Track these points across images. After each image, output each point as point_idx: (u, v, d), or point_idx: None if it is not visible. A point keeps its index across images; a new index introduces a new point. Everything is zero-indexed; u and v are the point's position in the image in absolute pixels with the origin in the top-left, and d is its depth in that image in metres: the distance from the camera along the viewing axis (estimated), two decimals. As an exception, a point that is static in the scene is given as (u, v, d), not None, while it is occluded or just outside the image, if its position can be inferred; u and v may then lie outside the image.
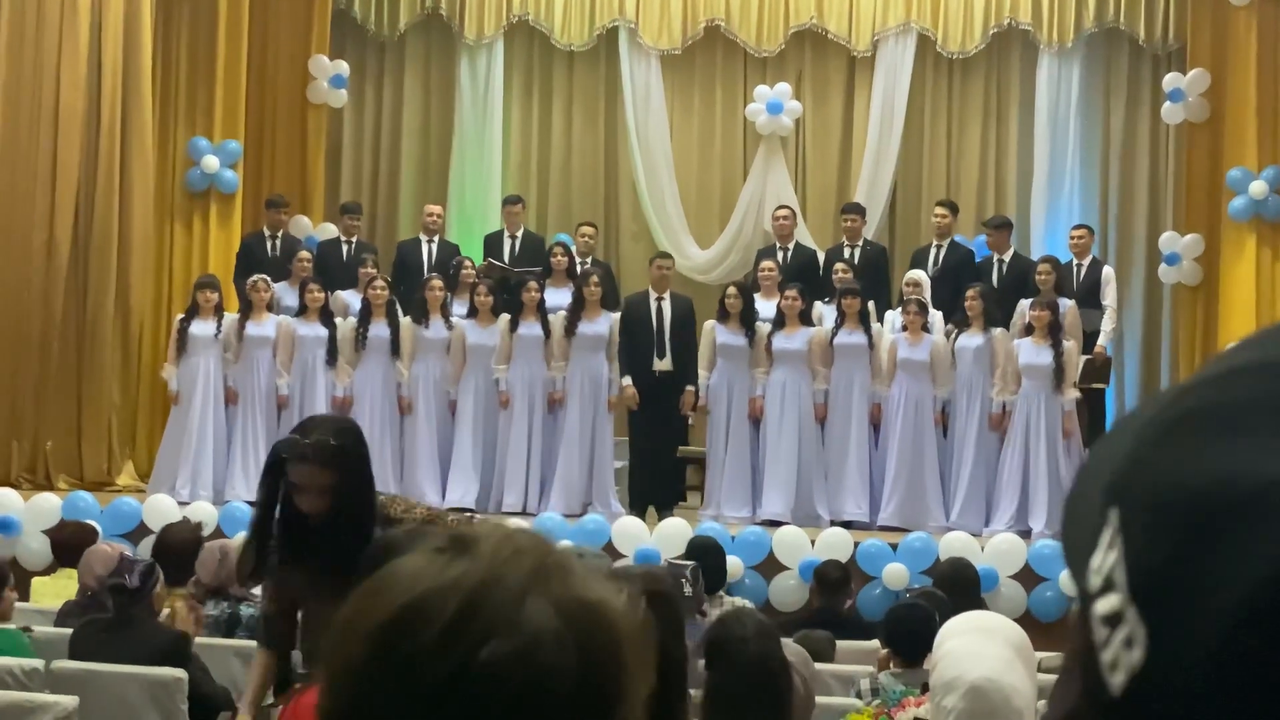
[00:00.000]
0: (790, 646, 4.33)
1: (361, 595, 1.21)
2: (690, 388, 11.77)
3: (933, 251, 13.14)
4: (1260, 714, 0.62)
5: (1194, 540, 0.64)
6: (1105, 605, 0.68)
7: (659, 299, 12.07)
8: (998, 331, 11.63)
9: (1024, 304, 12.12)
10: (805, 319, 11.86)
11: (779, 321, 11.76)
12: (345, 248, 13.57)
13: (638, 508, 11.79)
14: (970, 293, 11.67)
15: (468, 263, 12.89)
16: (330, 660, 1.21)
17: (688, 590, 6.43)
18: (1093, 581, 0.69)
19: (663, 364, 11.89)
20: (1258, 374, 0.66)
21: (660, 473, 11.93)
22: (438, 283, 12.11)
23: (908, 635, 5.87)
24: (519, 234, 13.68)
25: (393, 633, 1.16)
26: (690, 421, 12.09)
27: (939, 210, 13.37)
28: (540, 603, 1.17)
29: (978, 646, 3.03)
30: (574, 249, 13.32)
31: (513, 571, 1.18)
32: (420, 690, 1.14)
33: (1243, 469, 0.63)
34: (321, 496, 4.36)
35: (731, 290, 11.88)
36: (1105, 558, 0.69)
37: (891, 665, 5.99)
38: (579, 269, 12.78)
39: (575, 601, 1.19)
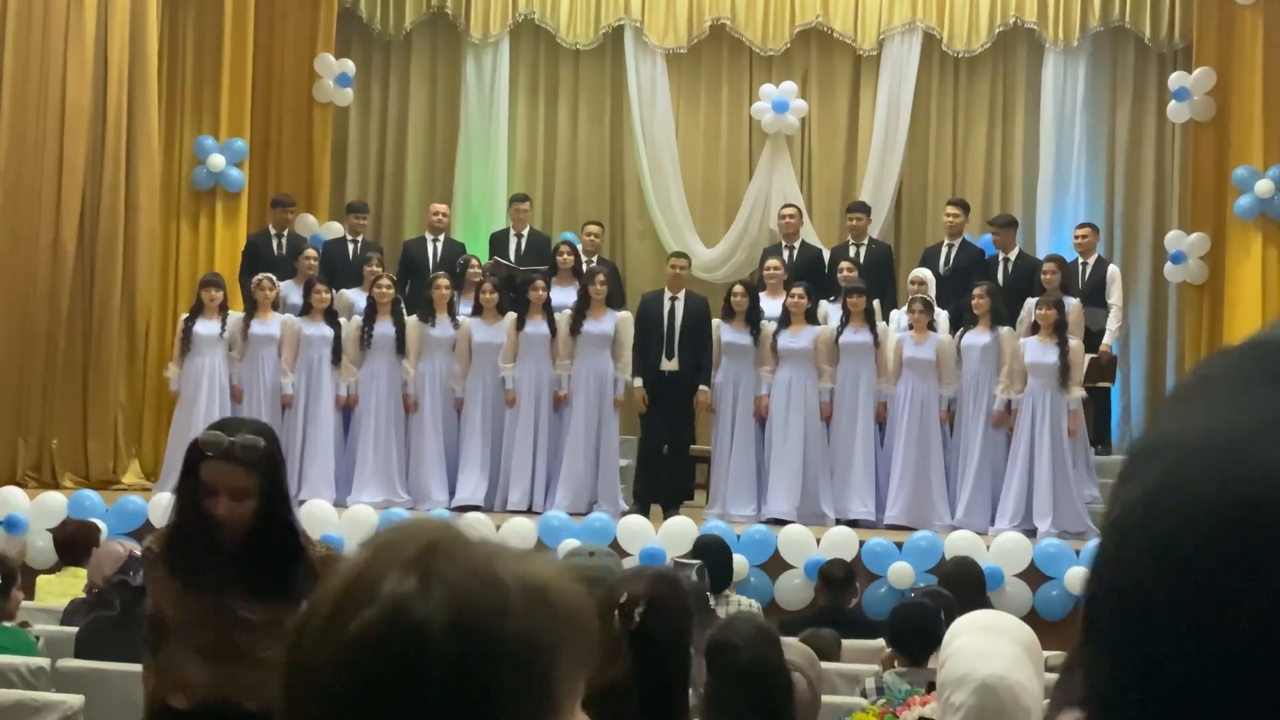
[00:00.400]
0: (796, 646, 4.31)
1: (308, 612, 1.28)
2: (704, 388, 11.75)
3: (944, 250, 13.13)
4: (1177, 634, 0.70)
5: (1121, 484, 0.75)
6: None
7: (673, 298, 12.06)
8: (1004, 330, 11.62)
9: (1030, 303, 12.10)
10: (811, 318, 11.84)
11: (784, 320, 11.75)
12: (351, 247, 13.57)
13: (643, 506, 11.78)
14: (977, 291, 11.66)
15: (474, 261, 12.88)
16: (294, 666, 1.26)
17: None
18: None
19: (670, 364, 11.88)
20: (1236, 351, 0.75)
21: (667, 471, 11.92)
22: (444, 281, 12.10)
23: (913, 634, 5.85)
24: (525, 232, 13.67)
25: (301, 629, 1.24)
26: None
27: (951, 209, 13.36)
28: (412, 576, 1.21)
29: (987, 644, 3.03)
30: (580, 247, 13.32)
31: (396, 552, 1.23)
32: (314, 676, 1.21)
33: (1172, 425, 0.74)
34: (241, 503, 3.89)
35: (738, 289, 11.87)
36: None
37: (896, 664, 5.98)
38: (585, 267, 12.76)
39: (463, 570, 1.22)
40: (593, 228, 13.71)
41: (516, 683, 1.20)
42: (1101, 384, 12.57)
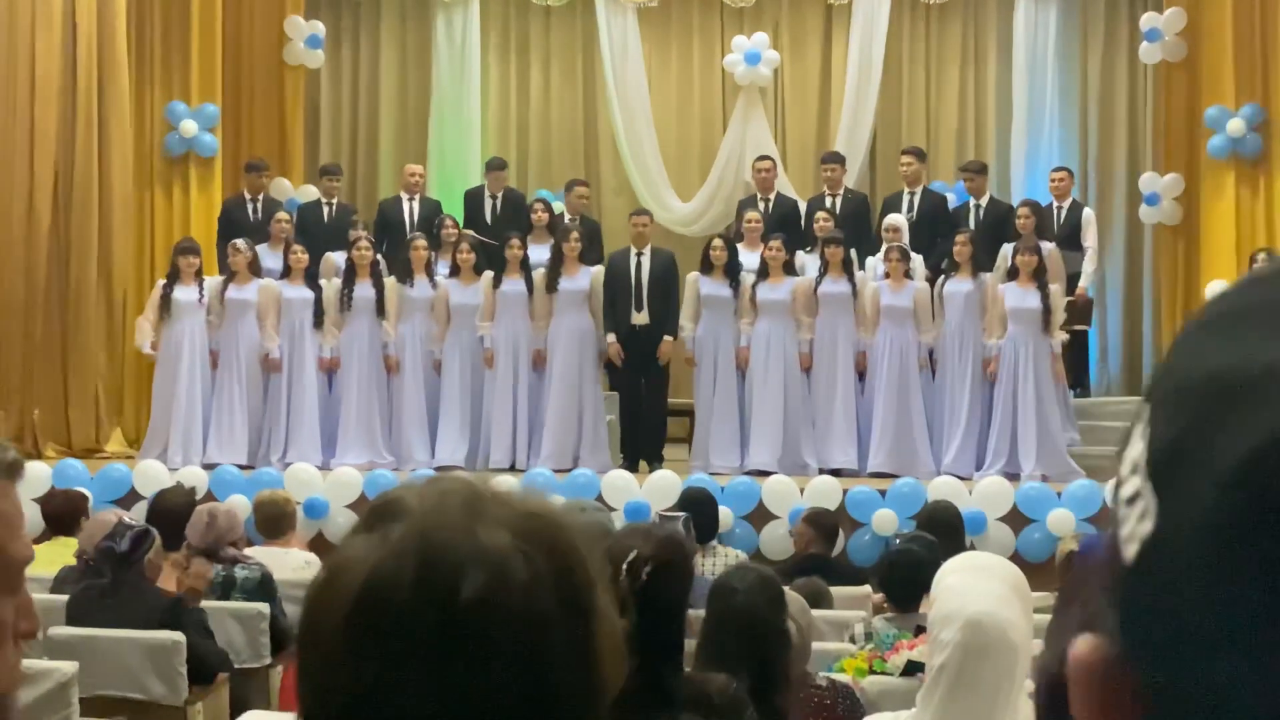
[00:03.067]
0: (787, 594, 4.36)
1: (316, 592, 1.23)
2: (668, 337, 11.78)
3: (905, 198, 13.15)
4: (1247, 570, 0.66)
5: (1202, 416, 0.69)
6: (1127, 489, 0.73)
7: (639, 254, 12.08)
8: (987, 276, 11.65)
9: (1006, 248, 12.14)
10: (789, 269, 11.87)
11: (763, 272, 11.77)
12: (326, 209, 13.53)
13: (629, 461, 11.82)
14: (960, 238, 11.68)
15: (449, 221, 12.86)
16: (304, 659, 1.22)
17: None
18: (1123, 472, 0.75)
19: (640, 317, 11.92)
20: (1273, 279, 0.72)
21: (644, 425, 11.97)
22: (421, 242, 12.10)
23: (902, 581, 5.90)
24: (500, 194, 13.65)
25: (364, 612, 1.17)
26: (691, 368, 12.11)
27: (905, 158, 13.35)
28: (489, 528, 1.20)
29: (975, 583, 3.07)
30: (559, 204, 13.33)
31: (448, 511, 1.21)
32: (414, 650, 1.16)
33: (1249, 354, 0.69)
34: None
35: (717, 242, 11.89)
36: (1132, 449, 0.74)
37: (885, 610, 6.03)
38: (565, 225, 12.75)
39: (522, 517, 1.22)
40: (580, 189, 13.66)
41: (600, 616, 1.21)
42: (1078, 327, 12.62)
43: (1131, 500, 0.73)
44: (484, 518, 1.20)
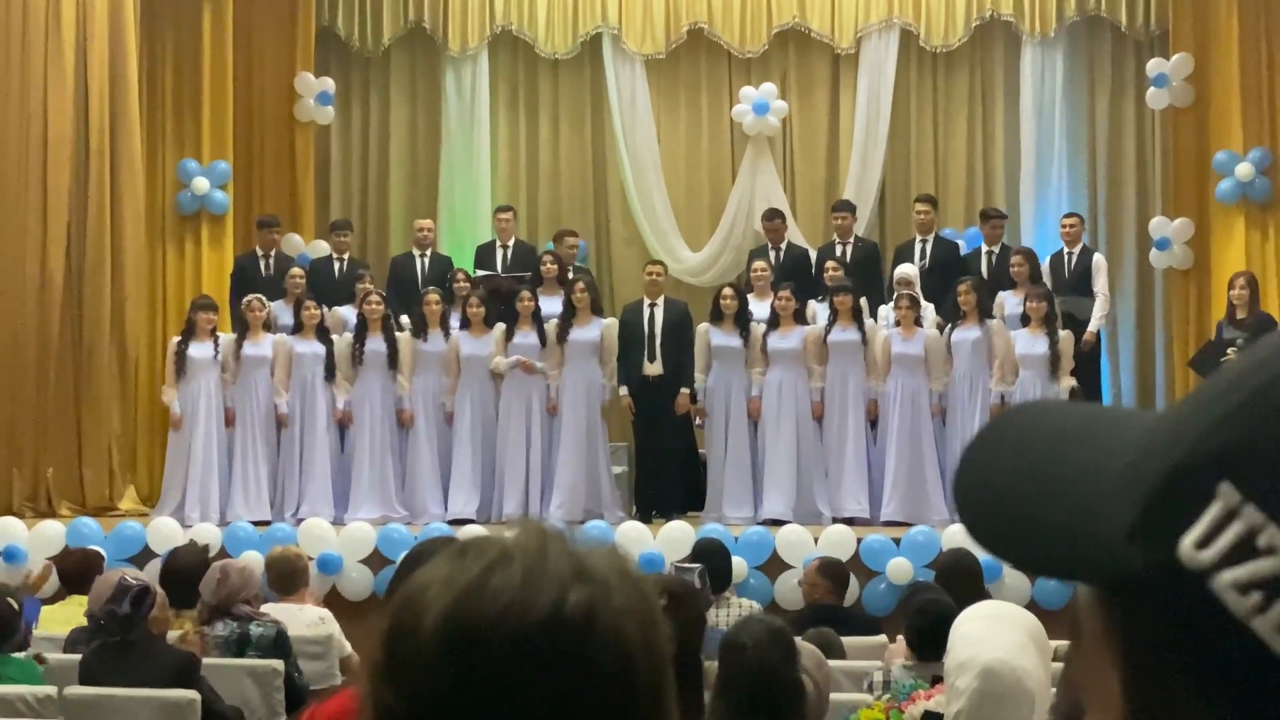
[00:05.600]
0: (804, 648, 4.34)
1: (402, 606, 1.22)
2: (684, 390, 11.79)
3: (918, 247, 13.19)
4: None
5: None
6: (1253, 571, 0.71)
7: (651, 305, 12.11)
8: (993, 323, 11.67)
9: (1003, 295, 12.21)
10: (800, 318, 11.89)
11: (773, 321, 11.79)
12: (337, 265, 13.58)
13: (644, 513, 11.81)
14: (962, 286, 11.72)
15: (460, 275, 12.90)
16: (388, 676, 1.21)
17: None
18: (1202, 555, 0.72)
19: (653, 368, 11.92)
20: None
21: (662, 476, 11.94)
22: (434, 296, 12.14)
23: (928, 629, 5.86)
24: (510, 244, 13.69)
25: (466, 618, 1.17)
26: (699, 423, 12.09)
27: (920, 207, 13.42)
28: (593, 556, 1.22)
29: (992, 630, 3.06)
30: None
31: (544, 540, 1.23)
32: (515, 656, 1.16)
33: None
34: None
35: (728, 291, 11.91)
36: (1227, 528, 0.72)
37: (905, 658, 6.00)
38: (571, 276, 12.78)
39: (608, 555, 1.24)
40: (570, 239, 13.73)
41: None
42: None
43: (1265, 584, 0.71)
44: (575, 549, 1.22)
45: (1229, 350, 11.32)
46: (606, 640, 1.17)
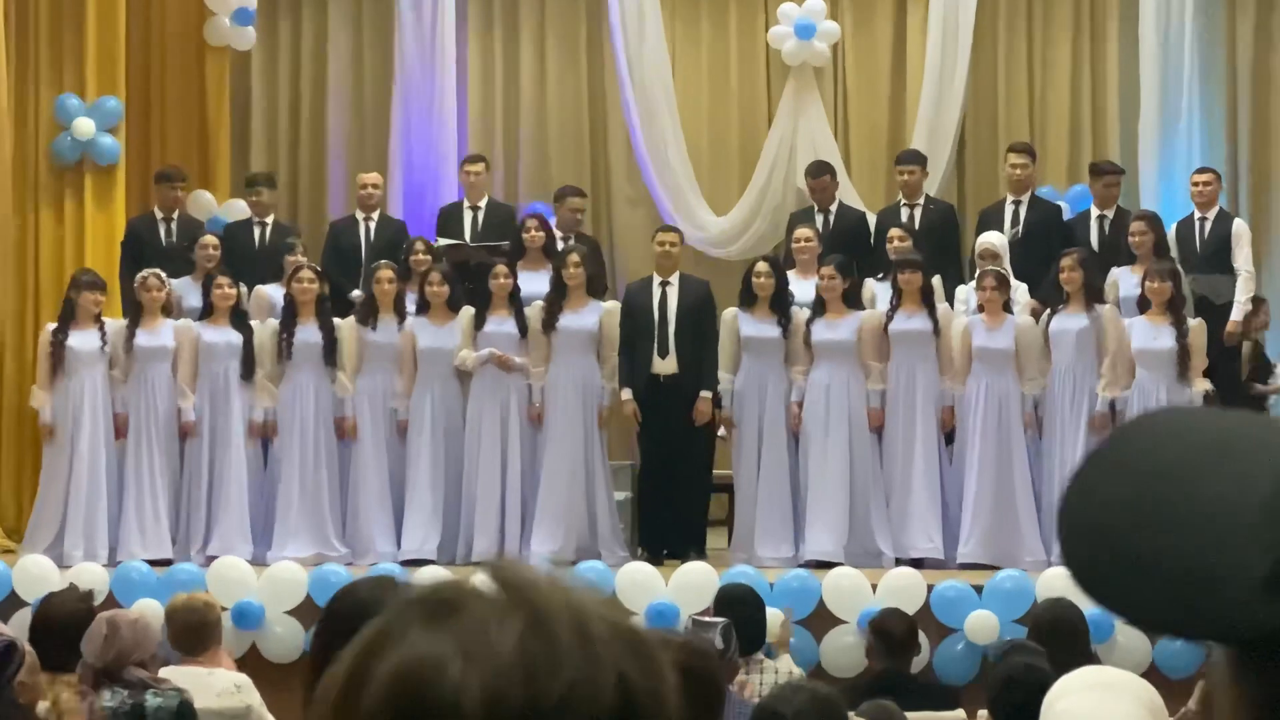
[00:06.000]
0: (854, 720, 4.33)
1: (404, 690, 1.24)
2: (705, 394, 11.77)
3: (1008, 210, 13.19)
4: None
5: None
6: None
7: (663, 284, 12.09)
8: (1104, 309, 11.64)
9: (1115, 272, 12.24)
10: (853, 301, 11.87)
11: (819, 306, 11.77)
12: (257, 231, 13.57)
13: (652, 552, 11.80)
14: (1065, 261, 11.69)
15: (419, 246, 12.87)
16: None
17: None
18: None
19: (665, 365, 11.91)
20: None
21: (676, 505, 11.92)
22: (387, 273, 12.11)
23: (1024, 706, 5.83)
24: (482, 204, 13.68)
25: (511, 694, 1.22)
26: (722, 435, 12.07)
27: (1015, 159, 13.42)
28: (604, 612, 1.28)
29: (1101, 706, 3.04)
30: (553, 223, 13.35)
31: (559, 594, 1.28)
32: None
33: None
34: None
35: (762, 267, 11.89)
36: None
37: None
38: (563, 246, 12.76)
39: (609, 624, 1.29)
40: (574, 200, 13.70)
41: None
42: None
43: None
44: (596, 604, 1.28)
45: None
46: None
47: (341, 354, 11.98)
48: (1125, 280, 12.13)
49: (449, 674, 1.21)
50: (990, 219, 13.26)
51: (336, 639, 2.79)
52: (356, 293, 12.50)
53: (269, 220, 13.67)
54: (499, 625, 1.23)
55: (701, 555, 11.47)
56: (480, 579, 1.29)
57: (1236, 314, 12.66)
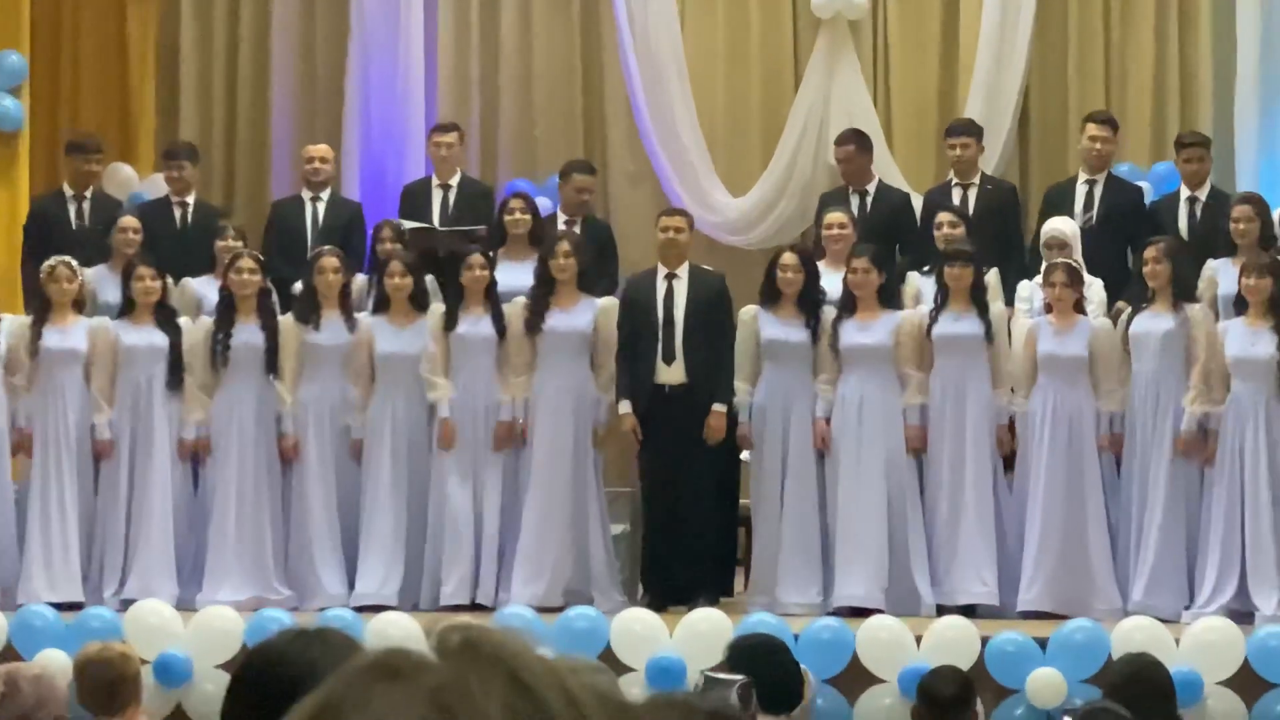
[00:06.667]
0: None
1: None
2: (718, 407, 11.76)
3: (1080, 191, 13.19)
4: None
5: None
6: None
7: (669, 277, 12.09)
8: (1195, 309, 11.63)
9: (1213, 265, 12.24)
10: (889, 299, 11.86)
11: (847, 304, 11.76)
12: (178, 212, 13.57)
13: (655, 595, 11.79)
14: (1150, 252, 11.70)
15: (386, 232, 12.93)
16: None
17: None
18: None
19: (670, 373, 11.92)
20: None
21: (684, 540, 11.90)
22: (332, 261, 12.15)
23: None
24: (454, 181, 13.70)
25: None
26: (744, 457, 12.07)
27: (1094, 129, 13.42)
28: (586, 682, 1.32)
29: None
30: (547, 202, 13.41)
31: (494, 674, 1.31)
32: None
33: None
34: None
35: (789, 259, 11.91)
36: None
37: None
38: (557, 231, 12.76)
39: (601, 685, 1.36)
40: (581, 178, 13.66)
41: None
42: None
43: None
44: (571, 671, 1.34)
45: None
46: None
47: (281, 360, 11.96)
48: (1225, 274, 12.08)
49: None
50: (1059, 201, 13.25)
51: (253, 704, 2.75)
52: (300, 286, 12.46)
53: (190, 200, 13.65)
54: (481, 687, 1.26)
55: (714, 601, 11.44)
56: (423, 644, 1.34)
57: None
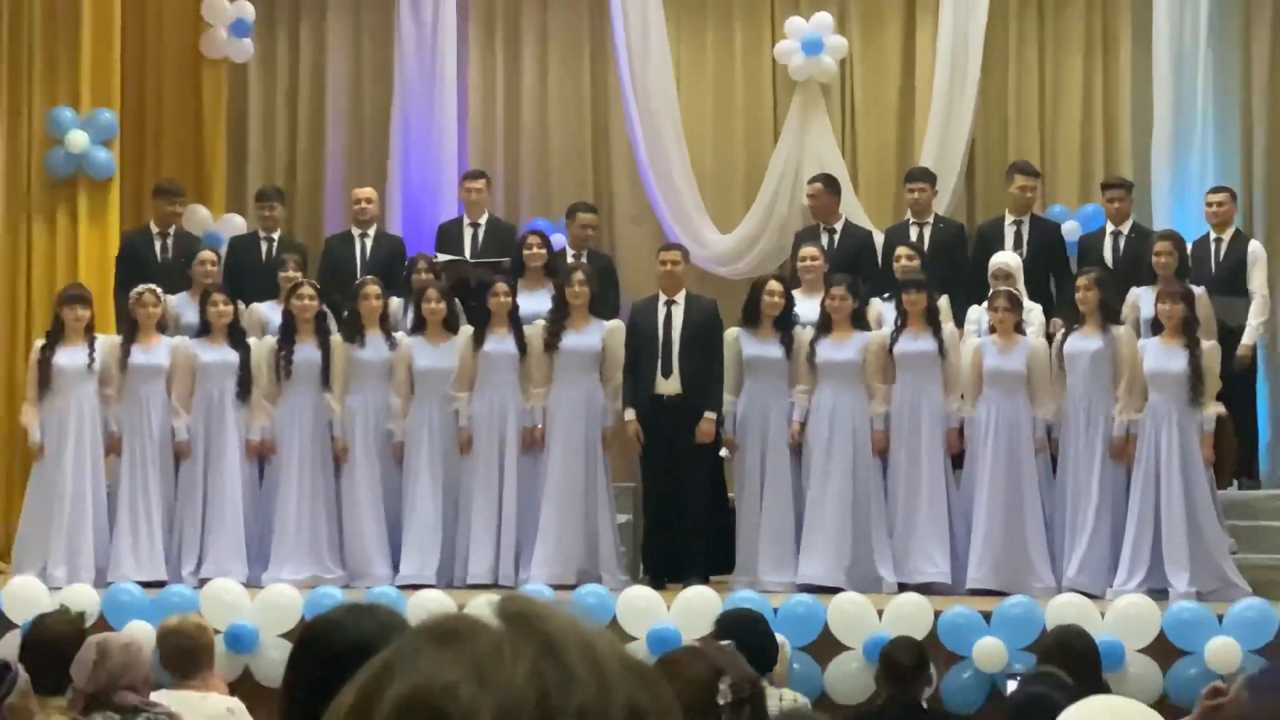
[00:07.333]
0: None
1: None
2: (709, 414, 11.77)
3: (1009, 230, 13.26)
4: None
5: None
6: None
7: (669, 303, 12.09)
8: (1120, 330, 11.64)
9: (1136, 292, 12.21)
10: (858, 320, 11.87)
11: (824, 325, 11.78)
12: (265, 246, 13.60)
13: (655, 576, 11.79)
14: (1082, 281, 11.70)
15: (422, 264, 12.92)
16: None
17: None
18: None
19: (668, 385, 11.91)
20: None
21: (679, 528, 11.90)
22: (374, 289, 12.14)
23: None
24: (482, 220, 13.69)
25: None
26: (723, 454, 12.07)
27: (1022, 179, 13.50)
28: (584, 647, 1.28)
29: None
30: (561, 239, 13.40)
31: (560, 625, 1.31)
32: None
33: None
34: None
35: (774, 286, 11.91)
36: None
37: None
38: (568, 263, 12.77)
39: (608, 643, 1.32)
40: (585, 216, 13.71)
41: None
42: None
43: None
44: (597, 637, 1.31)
45: None
46: None
47: (332, 373, 11.99)
48: (1145, 300, 12.06)
49: (461, 697, 1.22)
50: (990, 238, 13.28)
51: (311, 670, 2.78)
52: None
53: (275, 235, 13.69)
54: (512, 652, 1.25)
55: (704, 579, 11.44)
56: (485, 610, 1.31)
57: (1249, 338, 12.66)
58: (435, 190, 15.14)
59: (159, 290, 12.26)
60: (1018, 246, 13.10)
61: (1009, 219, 13.39)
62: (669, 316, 12.06)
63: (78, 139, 13.64)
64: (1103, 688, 8.03)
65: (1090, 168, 15.01)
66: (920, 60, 15.22)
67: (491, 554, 11.85)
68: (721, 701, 2.75)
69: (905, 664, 8.72)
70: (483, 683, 1.23)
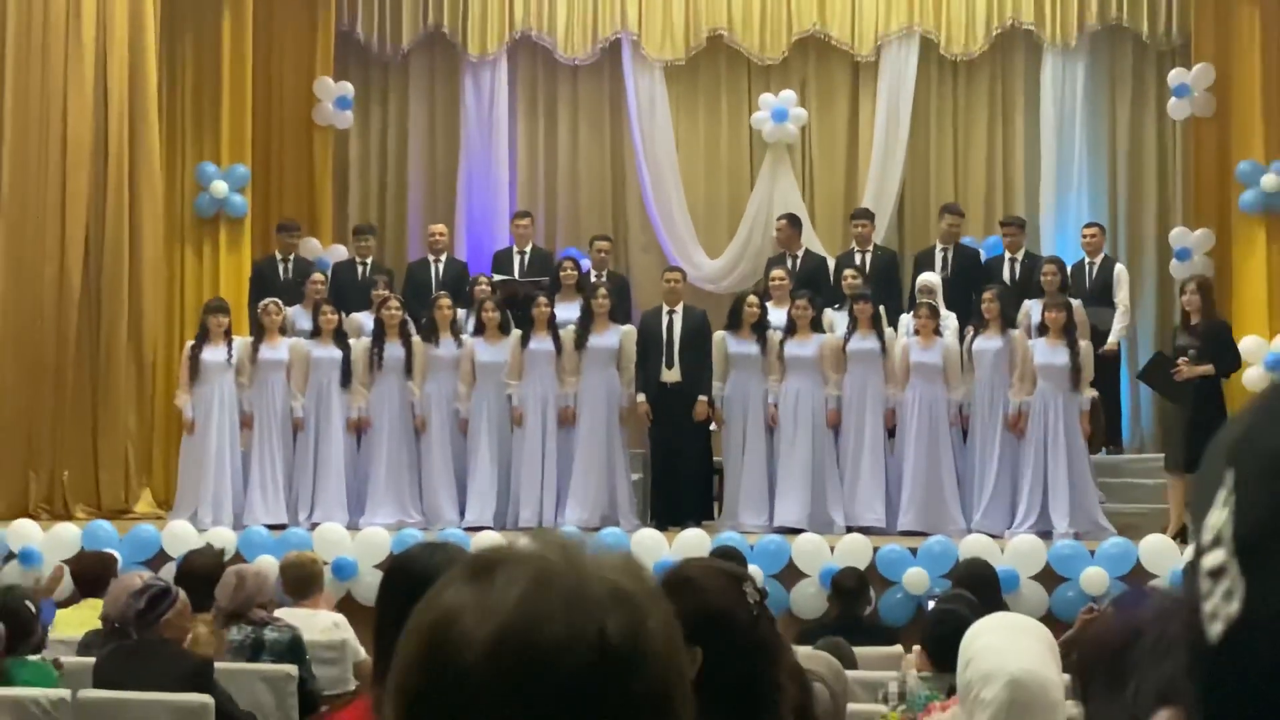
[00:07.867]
0: (819, 656, 4.32)
1: (434, 634, 1.19)
2: (703, 398, 11.78)
3: (938, 256, 13.23)
4: None
5: None
6: (1211, 560, 0.71)
7: (670, 312, 12.11)
8: (1015, 333, 11.64)
9: (1029, 304, 12.18)
10: (817, 326, 11.88)
11: (790, 329, 11.78)
12: (360, 269, 13.63)
13: (659, 520, 11.79)
14: (986, 294, 11.70)
15: (481, 280, 12.94)
16: (431, 704, 1.18)
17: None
18: (1204, 538, 0.71)
19: (671, 374, 11.91)
20: None
21: (678, 484, 11.92)
22: (445, 301, 12.16)
23: (946, 639, 5.82)
24: (528, 249, 13.71)
25: (511, 653, 1.15)
26: (714, 429, 12.08)
27: (950, 219, 13.50)
28: (618, 571, 1.21)
29: (1013, 641, 3.06)
30: (587, 263, 13.41)
31: (570, 558, 1.21)
32: (560, 691, 1.14)
33: None
34: None
35: (753, 299, 11.95)
36: (1218, 515, 0.70)
37: (921, 669, 5.97)
38: (592, 282, 12.81)
39: (631, 566, 1.23)
40: (601, 243, 13.75)
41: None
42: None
43: (1215, 574, 0.70)
44: (602, 564, 1.21)
45: (1180, 360, 11.23)
46: (647, 667, 1.17)
47: (414, 366, 12.01)
48: (1035, 310, 12.08)
49: (462, 624, 1.16)
50: (924, 262, 13.29)
51: (397, 592, 2.80)
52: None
53: (368, 262, 13.73)
54: (508, 583, 1.17)
55: (698, 523, 11.46)
56: (523, 541, 1.24)
57: (1114, 339, 12.69)
58: (492, 226, 15.16)
59: (280, 303, 12.29)
60: (944, 269, 13.09)
61: (939, 247, 13.39)
62: (671, 322, 12.07)
63: (219, 187, 13.68)
64: (1002, 606, 8.04)
65: (993, 207, 15.01)
66: (863, 125, 15.23)
67: (536, 503, 11.86)
68: (750, 601, 2.70)
69: (850, 588, 8.75)
70: (480, 611, 1.16)
